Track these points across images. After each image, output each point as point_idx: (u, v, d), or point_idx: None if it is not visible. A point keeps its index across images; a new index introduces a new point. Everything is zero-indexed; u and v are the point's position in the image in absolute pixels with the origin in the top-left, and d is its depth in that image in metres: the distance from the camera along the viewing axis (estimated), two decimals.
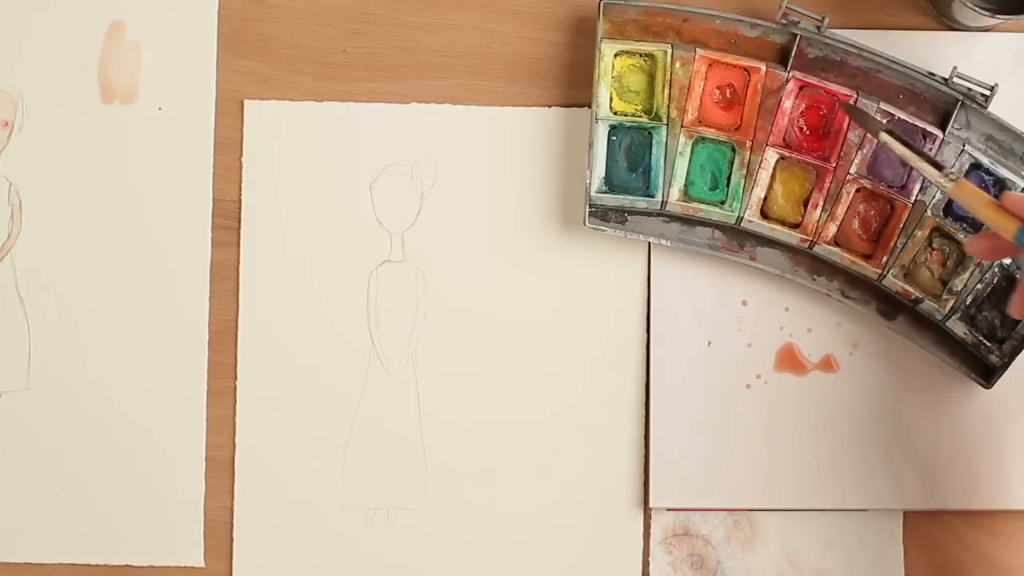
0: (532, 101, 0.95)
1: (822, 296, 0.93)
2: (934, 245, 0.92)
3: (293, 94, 0.95)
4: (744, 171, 0.92)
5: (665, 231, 0.93)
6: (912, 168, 0.91)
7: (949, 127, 0.91)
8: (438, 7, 0.95)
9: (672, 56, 0.92)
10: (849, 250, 0.92)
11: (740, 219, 0.92)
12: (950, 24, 0.94)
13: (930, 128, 0.91)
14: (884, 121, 0.91)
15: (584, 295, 0.94)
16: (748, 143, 0.92)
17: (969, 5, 0.89)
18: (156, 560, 0.94)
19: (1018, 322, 0.91)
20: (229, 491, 0.94)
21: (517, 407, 0.94)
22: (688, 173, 0.93)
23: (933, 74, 0.90)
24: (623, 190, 0.93)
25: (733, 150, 0.92)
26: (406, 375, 0.94)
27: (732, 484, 0.93)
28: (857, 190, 0.92)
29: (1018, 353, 0.91)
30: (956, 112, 0.90)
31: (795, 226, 0.92)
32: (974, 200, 0.84)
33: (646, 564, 0.94)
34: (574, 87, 0.95)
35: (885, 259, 0.91)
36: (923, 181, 0.91)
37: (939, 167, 0.86)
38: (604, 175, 0.93)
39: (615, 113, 0.93)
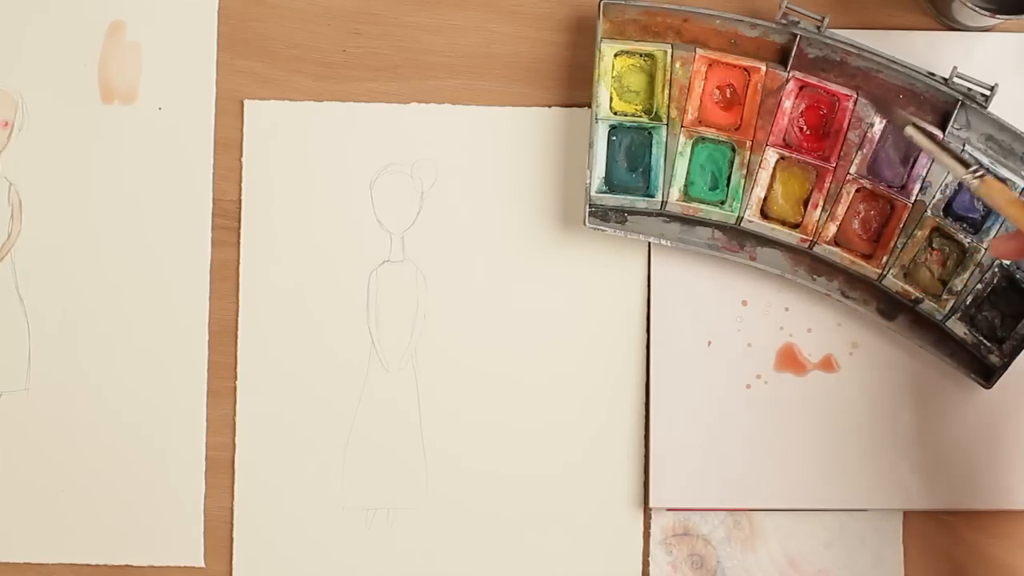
0: (532, 101, 0.95)
1: (822, 296, 0.93)
2: (934, 245, 0.92)
3: (293, 94, 0.95)
4: (744, 171, 0.92)
5: (665, 231, 0.93)
6: (912, 168, 0.91)
7: (949, 127, 0.91)
8: (438, 7, 0.95)
9: (672, 56, 0.92)
10: (849, 250, 0.92)
11: (740, 219, 0.92)
12: (950, 24, 0.94)
13: (930, 128, 0.91)
14: (884, 122, 0.91)
15: (584, 295, 0.94)
16: (748, 143, 0.92)
17: (969, 5, 0.89)
18: (156, 560, 0.94)
19: (1018, 322, 0.91)
20: (229, 491, 0.94)
21: (517, 407, 0.94)
22: (688, 173, 0.93)
23: (933, 74, 0.90)
24: (623, 190, 0.93)
25: (733, 150, 0.92)
26: (406, 375, 0.94)
27: (732, 484, 0.93)
28: (857, 190, 0.92)
29: (1018, 353, 0.91)
30: (956, 112, 0.90)
31: (795, 226, 0.92)
32: (1000, 198, 0.83)
33: (646, 564, 0.94)
34: (574, 87, 0.95)
35: (885, 259, 0.91)
36: (923, 181, 0.91)
37: (965, 164, 0.85)
38: (604, 175, 0.93)
39: (615, 113, 0.93)
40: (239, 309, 0.94)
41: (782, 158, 0.92)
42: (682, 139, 0.92)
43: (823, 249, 0.92)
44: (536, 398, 0.94)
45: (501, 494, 0.94)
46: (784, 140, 0.93)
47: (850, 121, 0.91)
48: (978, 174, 0.84)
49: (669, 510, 0.94)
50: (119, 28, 0.95)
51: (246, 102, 0.95)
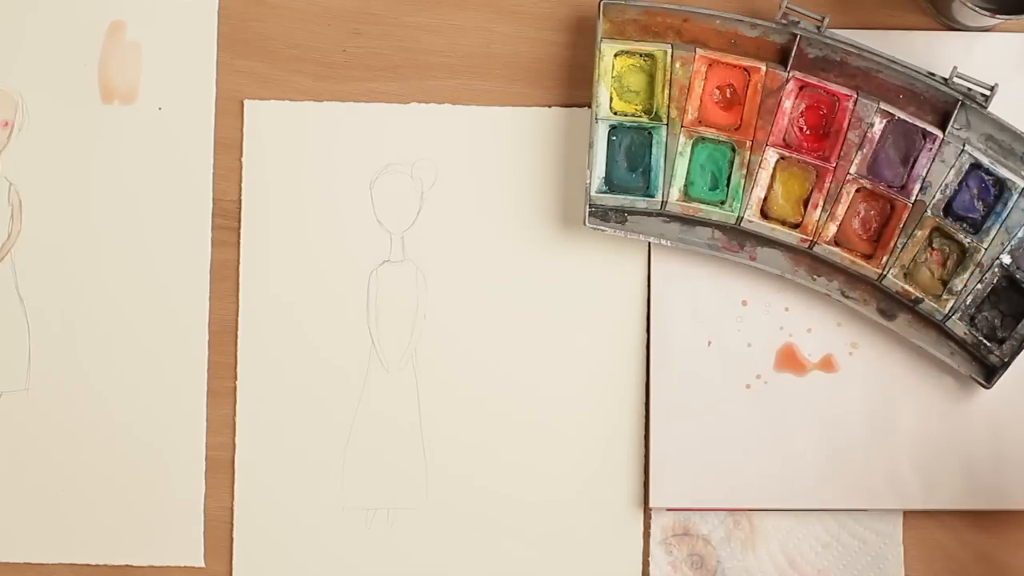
0: (532, 101, 0.95)
1: (822, 296, 0.93)
2: (934, 245, 0.92)
3: (293, 94, 0.95)
4: (744, 171, 0.92)
5: (665, 231, 0.93)
6: (912, 168, 0.91)
7: (949, 127, 0.91)
8: (438, 7, 0.95)
9: (672, 56, 0.92)
10: (849, 250, 0.92)
11: (740, 219, 0.92)
12: (950, 24, 0.94)
13: (930, 128, 0.91)
14: (884, 122, 0.91)
15: (584, 295, 0.94)
16: (748, 143, 0.92)
17: (969, 5, 0.89)
18: (156, 560, 0.94)
19: (1018, 322, 0.91)
20: (229, 491, 0.94)
21: (517, 407, 0.94)
22: (688, 173, 0.93)
23: (933, 74, 0.90)
24: (623, 190, 0.93)
25: (733, 150, 0.92)
26: (406, 375, 0.94)
27: (732, 484, 0.93)
28: (857, 190, 0.92)
29: (1018, 353, 0.91)
30: (956, 112, 0.90)
31: (795, 226, 0.92)
32: None
33: (646, 564, 0.94)
34: (574, 87, 0.95)
35: (885, 259, 0.91)
36: (923, 181, 0.91)
37: None
38: (604, 175, 0.93)
39: (615, 113, 0.93)
40: (239, 309, 0.94)
41: (782, 158, 0.92)
42: (682, 139, 0.92)
43: (823, 249, 0.92)
44: (536, 398, 0.94)
45: (501, 494, 0.94)
46: (784, 140, 0.92)
47: (850, 121, 0.91)
48: None
49: (669, 510, 0.94)
50: (119, 28, 0.95)
51: (246, 102, 0.95)
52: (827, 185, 0.92)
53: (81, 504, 0.93)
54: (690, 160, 0.92)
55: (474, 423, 0.94)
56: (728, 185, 0.92)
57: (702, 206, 0.92)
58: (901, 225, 0.91)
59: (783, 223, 0.92)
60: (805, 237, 0.92)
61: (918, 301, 0.91)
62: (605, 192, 0.92)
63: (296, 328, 0.94)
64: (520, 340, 0.94)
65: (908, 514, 0.94)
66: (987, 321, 0.92)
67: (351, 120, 0.95)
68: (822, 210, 0.92)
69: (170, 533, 0.93)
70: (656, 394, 0.93)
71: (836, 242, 0.92)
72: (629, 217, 0.93)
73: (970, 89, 0.90)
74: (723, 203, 0.92)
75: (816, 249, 0.92)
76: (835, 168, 0.92)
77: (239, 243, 0.95)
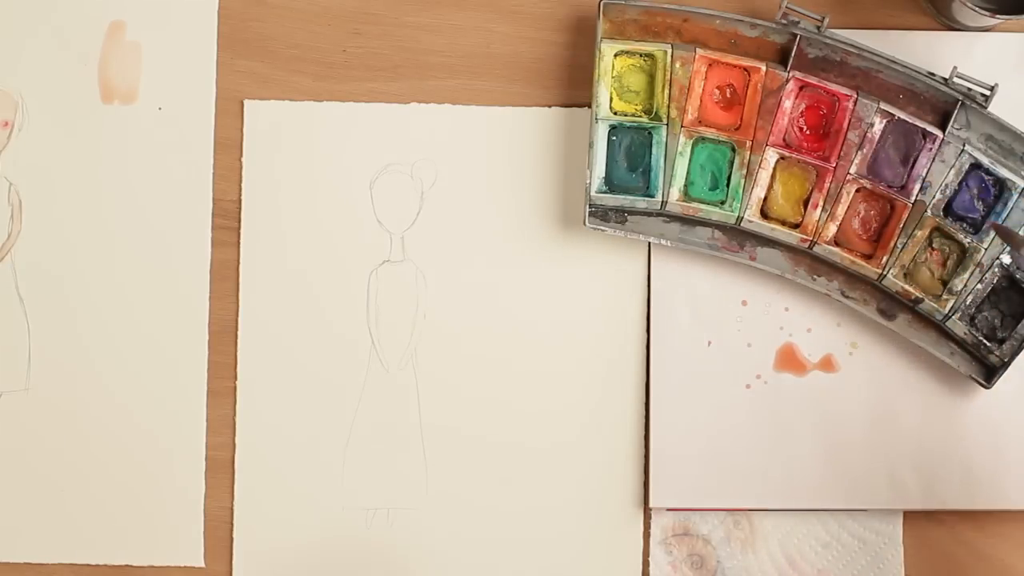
0: (532, 101, 0.95)
1: (822, 296, 0.93)
2: (934, 245, 0.92)
3: (293, 94, 0.95)
4: (744, 171, 0.92)
5: (665, 231, 0.93)
6: (912, 168, 0.91)
7: (949, 127, 0.91)
8: (438, 7, 0.95)
9: (672, 56, 0.92)
10: (849, 250, 0.92)
11: (740, 219, 0.92)
12: (950, 24, 0.94)
13: (930, 128, 0.91)
14: (884, 122, 0.91)
15: (584, 295, 0.94)
16: (748, 143, 0.92)
17: (969, 5, 0.89)
18: (156, 560, 0.94)
19: (1018, 322, 0.91)
20: (229, 491, 0.94)
21: (517, 407, 0.94)
22: (688, 173, 0.93)
23: (933, 74, 0.90)
24: (623, 190, 0.93)
25: (733, 150, 0.92)
26: (406, 375, 0.94)
27: (732, 484, 0.93)
28: (857, 190, 0.92)
29: (1018, 353, 0.91)
30: (956, 112, 0.90)
31: (795, 226, 0.92)
32: None
33: (646, 564, 0.94)
34: (574, 87, 0.95)
35: (885, 259, 0.91)
36: (923, 181, 0.91)
37: None
38: (604, 175, 0.93)
39: (615, 113, 0.93)
40: (239, 309, 0.94)
41: (782, 158, 0.92)
42: (682, 139, 0.92)
43: (823, 249, 0.92)
44: (536, 398, 0.94)
45: (501, 494, 0.94)
46: (784, 140, 0.92)
47: (850, 121, 0.91)
48: None
49: (669, 510, 0.94)
50: (119, 28, 0.95)
51: (246, 102, 0.95)
52: (827, 185, 0.92)
53: (81, 504, 0.93)
54: (690, 160, 0.92)
55: (474, 423, 0.94)
56: (728, 185, 0.92)
57: (702, 206, 0.92)
58: (901, 225, 0.91)
59: (783, 223, 0.92)
60: (805, 237, 0.92)
61: (918, 301, 0.91)
62: (605, 192, 0.92)
63: (296, 328, 0.94)
64: (520, 340, 0.94)
65: (908, 514, 0.94)
66: (987, 321, 0.92)
67: (351, 120, 0.95)
68: (822, 210, 0.92)
69: (170, 533, 0.94)
70: (656, 394, 0.93)
71: (836, 242, 0.92)
72: (629, 217, 0.93)
73: (970, 89, 0.90)
74: (723, 203, 0.92)
75: (816, 249, 0.92)
76: (835, 168, 0.92)
77: (239, 243, 0.95)
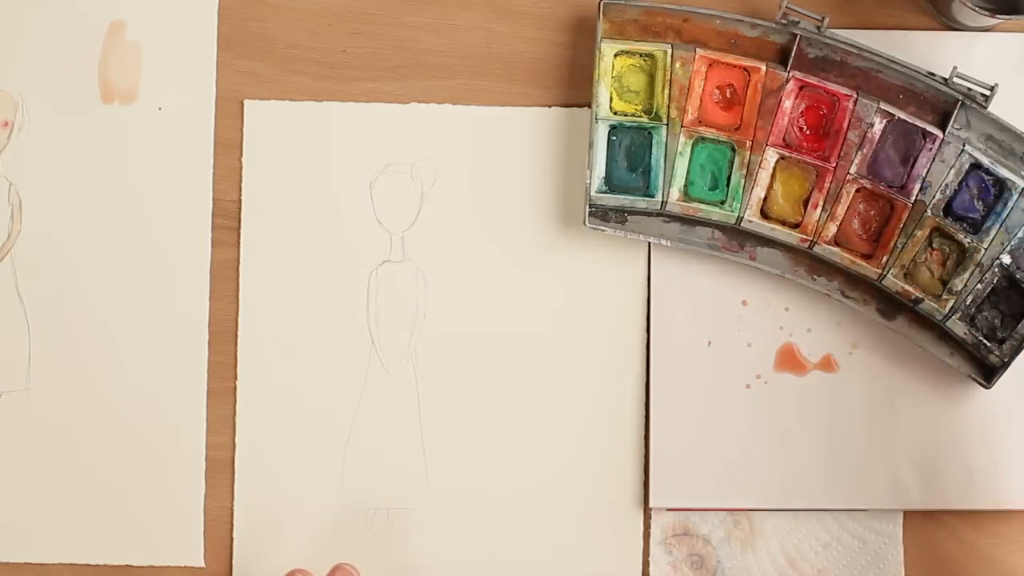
0: (532, 101, 0.95)
1: (822, 296, 0.93)
2: (934, 245, 0.92)
3: (293, 94, 0.95)
4: (744, 171, 0.92)
5: (665, 231, 0.93)
6: (912, 168, 0.91)
7: (949, 127, 0.91)
8: (438, 7, 0.95)
9: (672, 56, 0.92)
10: (849, 250, 0.92)
11: (740, 219, 0.92)
12: (950, 24, 0.94)
13: (930, 128, 0.91)
14: (884, 122, 0.91)
15: (584, 295, 0.94)
16: (748, 143, 0.92)
17: (969, 5, 0.89)
18: (156, 560, 0.94)
19: (1018, 322, 0.91)
20: (229, 491, 0.94)
21: (517, 407, 0.94)
22: (688, 173, 0.93)
23: (933, 74, 0.90)
24: (623, 190, 0.93)
25: (733, 150, 0.92)
26: (406, 375, 0.94)
27: (732, 484, 0.93)
28: (857, 190, 0.92)
29: (1018, 353, 0.91)
30: (956, 112, 0.90)
31: (795, 226, 0.92)
32: None
33: (646, 564, 0.94)
34: (574, 87, 0.95)
35: (885, 259, 0.91)
36: (923, 181, 0.91)
37: None
38: (604, 175, 0.93)
39: (615, 113, 0.93)
40: (239, 309, 0.94)
41: (782, 158, 0.92)
42: (682, 139, 0.92)
43: (823, 249, 0.92)
44: (536, 398, 0.94)
45: (501, 494, 0.94)
46: (784, 140, 0.92)
47: (850, 121, 0.91)
48: None
49: (669, 510, 0.94)
50: (119, 28, 0.95)
51: (246, 102, 0.95)
52: (827, 185, 0.92)
53: (81, 504, 0.93)
54: (690, 160, 0.92)
55: (474, 423, 0.94)
56: (728, 185, 0.92)
57: (702, 206, 0.92)
58: (901, 225, 0.91)
59: (783, 223, 0.92)
60: (805, 237, 0.92)
61: (918, 301, 0.91)
62: (605, 192, 0.92)
63: (296, 328, 0.94)
64: (520, 340, 0.94)
65: (908, 514, 0.94)
66: (987, 321, 0.92)
67: (351, 120, 0.95)
68: (822, 210, 0.92)
69: (170, 533, 0.93)
70: (656, 394, 0.93)
71: (836, 242, 0.92)
72: (629, 217, 0.93)
73: (970, 89, 0.90)
74: (723, 203, 0.92)
75: (816, 249, 0.92)
76: (835, 168, 0.92)
77: (239, 243, 0.95)
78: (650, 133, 0.92)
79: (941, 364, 0.92)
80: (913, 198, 0.91)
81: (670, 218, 0.93)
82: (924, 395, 0.93)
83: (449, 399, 0.94)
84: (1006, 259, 0.91)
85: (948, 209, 0.91)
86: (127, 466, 0.94)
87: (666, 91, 0.92)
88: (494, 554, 0.94)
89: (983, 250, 0.91)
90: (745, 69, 0.92)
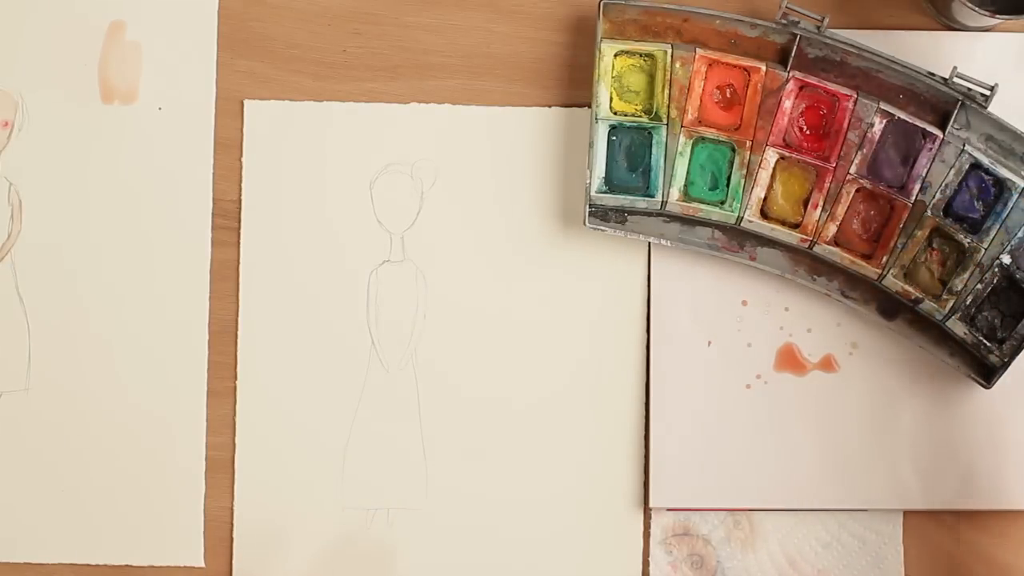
0: (532, 101, 0.95)
1: (822, 296, 0.93)
2: (934, 245, 0.92)
3: (293, 94, 0.95)
4: (744, 171, 0.92)
5: (665, 231, 0.93)
6: (912, 168, 0.91)
7: (949, 127, 0.91)
8: (438, 7, 0.95)
9: (672, 56, 0.92)
10: (849, 250, 0.92)
11: (740, 219, 0.92)
12: (950, 24, 0.94)
13: (930, 128, 0.91)
14: (884, 122, 0.91)
15: (584, 295, 0.94)
16: (748, 143, 0.92)
17: (969, 5, 0.89)
18: (156, 560, 0.94)
19: (1018, 322, 0.91)
20: (229, 491, 0.94)
21: (517, 407, 0.94)
22: (688, 173, 0.93)
23: (933, 74, 0.90)
24: (623, 190, 0.93)
25: (733, 150, 0.92)
26: (406, 375, 0.94)
27: (732, 484, 0.93)
28: (857, 190, 0.92)
29: (1018, 353, 0.91)
30: (956, 112, 0.90)
31: (795, 226, 0.92)
32: None
33: (646, 564, 0.94)
34: (574, 87, 0.95)
35: (885, 259, 0.91)
36: (923, 181, 0.91)
37: None
38: (604, 175, 0.93)
39: (615, 113, 0.93)
40: (239, 309, 0.94)
41: (782, 158, 0.92)
42: (682, 139, 0.92)
43: (823, 249, 0.92)
44: (536, 398, 0.94)
45: (501, 494, 0.94)
46: (784, 140, 0.92)
47: (850, 121, 0.91)
48: None
49: (669, 510, 0.94)
50: (119, 28, 0.95)
51: (246, 102, 0.95)
52: (827, 185, 0.92)
53: (81, 504, 0.93)
54: (690, 160, 0.92)
55: (474, 423, 0.94)
56: (728, 185, 0.92)
57: (702, 206, 0.92)
58: (901, 225, 0.91)
59: (783, 223, 0.92)
60: (805, 237, 0.92)
61: (918, 301, 0.91)
62: (605, 192, 0.92)
63: (296, 328, 0.94)
64: (520, 340, 0.94)
65: (908, 514, 0.94)
66: (987, 321, 0.92)
67: (351, 120, 0.95)
68: (822, 210, 0.92)
69: (170, 533, 0.94)
70: (656, 394, 0.93)
71: (836, 242, 0.92)
72: (629, 217, 0.93)
73: (970, 89, 0.90)
74: (723, 203, 0.92)
75: (816, 249, 0.92)
76: (835, 168, 0.92)
77: (239, 243, 0.95)
78: (650, 133, 0.92)
79: (941, 364, 0.92)
80: (913, 198, 0.91)
81: (670, 218, 0.93)
82: (924, 395, 0.93)
83: (449, 399, 0.94)
84: (1006, 259, 0.91)
85: (948, 209, 0.91)
86: (127, 466, 0.94)
87: (666, 91, 0.92)
88: (494, 554, 0.94)
89: (983, 250, 0.91)
90: (745, 69, 0.92)
